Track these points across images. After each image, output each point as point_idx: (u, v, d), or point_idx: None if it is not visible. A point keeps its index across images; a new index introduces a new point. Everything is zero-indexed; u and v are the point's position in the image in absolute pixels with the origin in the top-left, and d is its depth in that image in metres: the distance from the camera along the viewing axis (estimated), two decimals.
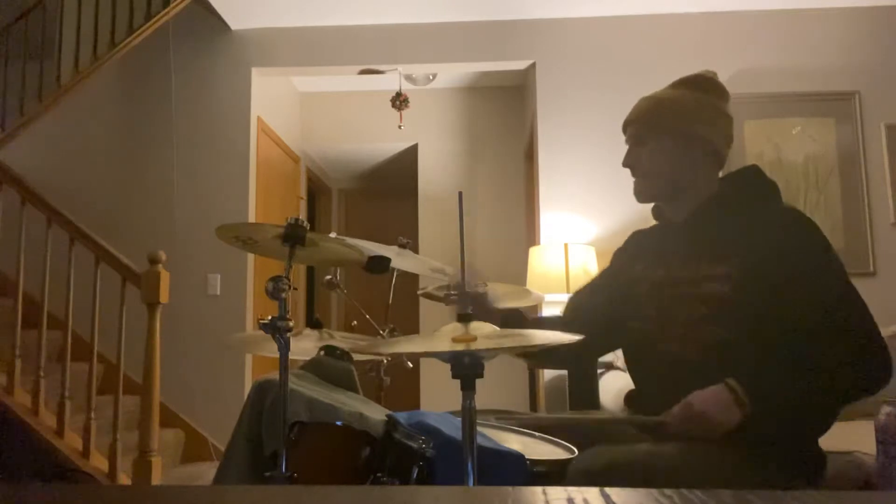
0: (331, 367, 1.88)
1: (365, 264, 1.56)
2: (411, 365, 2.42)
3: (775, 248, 1.30)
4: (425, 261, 2.01)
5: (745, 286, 1.31)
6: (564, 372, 3.52)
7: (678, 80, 1.51)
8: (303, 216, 5.20)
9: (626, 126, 1.52)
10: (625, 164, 1.51)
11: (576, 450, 1.31)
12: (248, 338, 2.27)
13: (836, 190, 3.75)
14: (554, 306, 3.72)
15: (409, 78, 4.72)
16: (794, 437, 1.29)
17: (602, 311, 1.60)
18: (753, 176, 1.46)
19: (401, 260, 1.86)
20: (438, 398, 4.65)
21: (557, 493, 0.50)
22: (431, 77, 4.81)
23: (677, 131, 1.43)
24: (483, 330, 1.01)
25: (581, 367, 3.03)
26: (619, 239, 3.69)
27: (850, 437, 2.28)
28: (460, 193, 1.06)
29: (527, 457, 1.19)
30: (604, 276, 1.68)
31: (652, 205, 1.57)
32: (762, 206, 1.40)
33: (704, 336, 1.34)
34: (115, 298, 3.12)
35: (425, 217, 5.00)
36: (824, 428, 1.32)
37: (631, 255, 1.62)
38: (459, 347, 0.94)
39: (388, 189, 6.27)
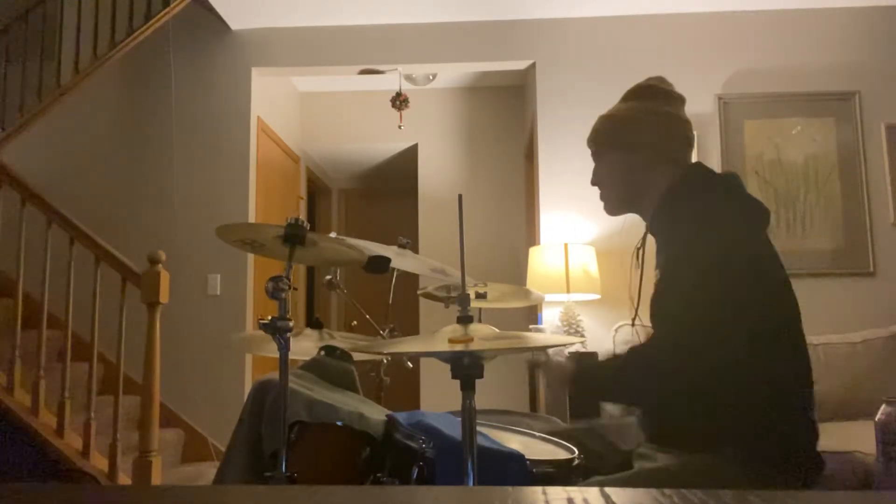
0: (331, 367, 1.88)
1: (365, 264, 1.56)
2: (411, 365, 2.43)
3: (686, 244, 1.33)
4: (425, 261, 2.01)
5: (670, 277, 1.36)
6: None
7: (627, 91, 1.56)
8: (303, 216, 5.20)
9: (587, 144, 1.57)
10: (592, 184, 1.57)
11: (576, 450, 1.31)
12: (248, 338, 2.28)
13: (836, 190, 3.74)
14: (554, 306, 3.72)
15: (409, 78, 4.72)
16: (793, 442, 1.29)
17: None
18: (694, 171, 1.48)
19: (401, 260, 1.86)
20: (438, 398, 4.65)
21: (557, 493, 0.50)
22: (431, 77, 4.81)
23: (624, 143, 1.48)
24: (481, 331, 1.01)
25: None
26: (618, 239, 3.72)
27: (850, 437, 2.28)
28: (460, 196, 1.06)
29: (527, 457, 1.19)
30: None
31: None
32: (697, 199, 1.39)
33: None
34: (115, 298, 3.12)
35: (425, 217, 5.00)
36: (804, 431, 1.29)
37: None
38: (458, 348, 0.94)
39: (388, 189, 6.27)
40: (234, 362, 3.94)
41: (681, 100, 1.52)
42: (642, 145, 1.46)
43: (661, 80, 1.56)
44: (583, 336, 3.50)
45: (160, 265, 3.02)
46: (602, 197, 1.56)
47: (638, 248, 1.57)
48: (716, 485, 1.20)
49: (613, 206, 1.55)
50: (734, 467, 1.23)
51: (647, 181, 1.47)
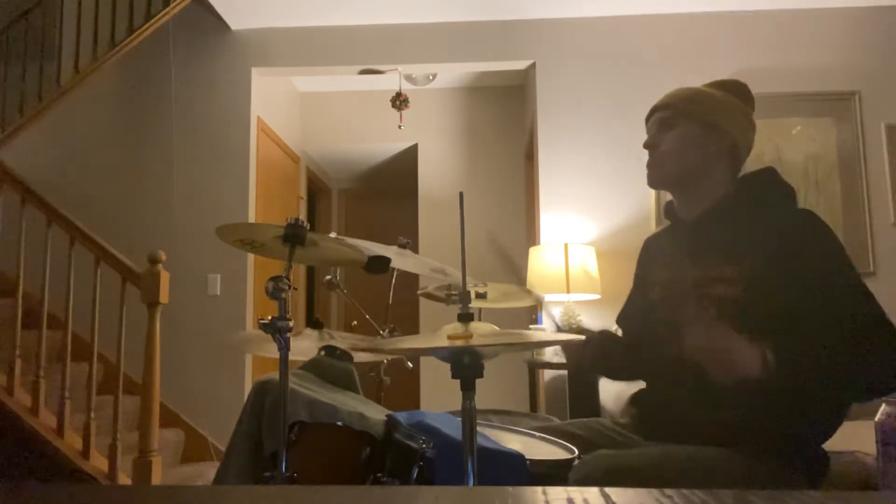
0: (331, 367, 1.88)
1: (365, 264, 1.56)
2: (411, 365, 2.43)
3: (787, 251, 1.29)
4: (425, 261, 2.01)
5: (756, 288, 1.30)
6: (564, 372, 3.52)
7: (715, 81, 1.54)
8: (303, 216, 5.20)
9: (655, 111, 1.53)
10: (646, 145, 1.52)
11: (576, 450, 1.31)
12: (248, 338, 2.28)
13: (836, 190, 3.74)
14: (554, 306, 3.72)
15: (409, 78, 4.72)
16: (802, 440, 1.29)
17: (635, 333, 1.63)
18: (769, 178, 1.46)
19: (401, 260, 1.86)
20: (438, 398, 4.65)
21: (557, 493, 0.50)
22: (431, 77, 4.81)
23: (706, 121, 1.45)
24: (481, 329, 1.00)
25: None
26: (618, 239, 3.72)
27: (850, 437, 2.28)
28: (461, 194, 1.06)
29: (527, 457, 1.19)
30: (629, 297, 1.69)
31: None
32: (776, 208, 1.40)
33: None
34: (115, 298, 3.12)
35: (425, 217, 5.00)
36: (831, 431, 1.31)
37: (645, 262, 1.64)
38: (458, 344, 0.94)
39: (388, 189, 6.27)
40: (234, 362, 3.94)
41: (754, 107, 1.52)
42: (723, 132, 1.45)
43: (746, 84, 1.54)
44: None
45: (160, 265, 3.02)
46: (654, 164, 1.50)
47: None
48: (724, 477, 1.20)
49: (664, 176, 1.49)
50: (750, 462, 1.23)
51: (711, 167, 1.45)
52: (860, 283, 1.27)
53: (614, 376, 1.73)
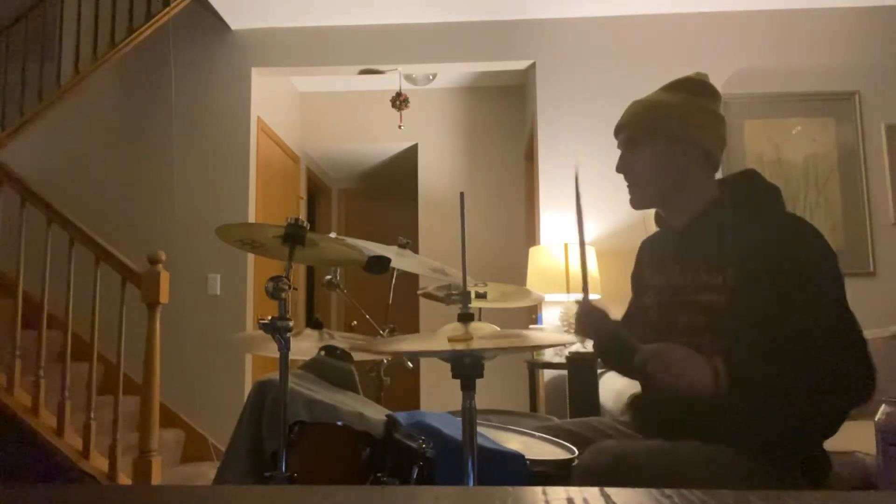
0: (331, 367, 1.88)
1: (365, 264, 1.56)
2: (411, 365, 2.42)
3: (772, 258, 1.29)
4: (425, 261, 2.01)
5: (740, 296, 1.30)
6: (564, 372, 3.52)
7: (669, 83, 1.50)
8: (303, 216, 5.20)
9: (619, 130, 1.50)
10: (618, 170, 1.50)
11: (576, 450, 1.31)
12: (248, 338, 2.27)
13: (836, 190, 3.74)
14: (554, 306, 3.72)
15: (409, 78, 4.72)
16: (794, 439, 1.29)
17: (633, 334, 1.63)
18: (753, 181, 1.45)
19: (401, 260, 1.86)
20: (438, 398, 4.65)
21: (557, 493, 0.50)
22: (431, 77, 4.81)
23: (670, 135, 1.42)
24: (482, 330, 1.00)
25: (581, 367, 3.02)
26: (618, 239, 3.73)
27: (850, 437, 2.28)
28: (462, 194, 1.06)
29: (527, 457, 1.19)
30: (631, 299, 1.68)
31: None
32: (762, 212, 1.39)
33: (703, 344, 1.34)
34: (115, 298, 3.12)
35: (425, 217, 5.00)
36: (829, 431, 1.31)
37: (641, 265, 1.64)
38: (459, 347, 0.94)
39: (388, 189, 6.27)
40: (234, 362, 3.94)
41: (720, 97, 1.49)
42: (688, 141, 1.41)
43: (705, 76, 1.51)
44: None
45: (160, 265, 3.02)
46: (633, 187, 1.48)
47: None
48: (726, 471, 1.21)
49: (646, 198, 1.47)
50: (751, 457, 1.24)
51: (688, 177, 1.43)
52: (838, 297, 1.26)
53: (622, 372, 1.73)
